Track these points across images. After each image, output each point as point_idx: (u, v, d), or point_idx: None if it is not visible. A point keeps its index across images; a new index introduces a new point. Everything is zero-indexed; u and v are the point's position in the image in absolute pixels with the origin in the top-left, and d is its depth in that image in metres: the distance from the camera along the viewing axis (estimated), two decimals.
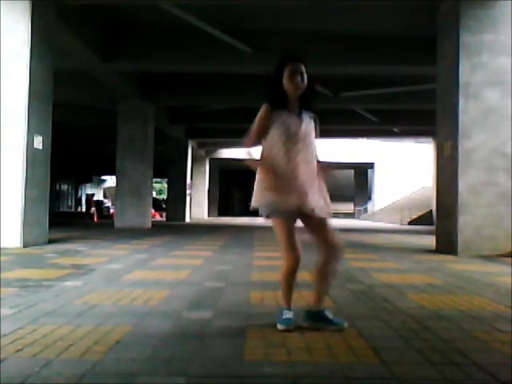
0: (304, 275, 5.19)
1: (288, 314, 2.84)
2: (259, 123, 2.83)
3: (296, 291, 3.04)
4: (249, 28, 11.39)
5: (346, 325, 2.86)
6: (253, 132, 2.85)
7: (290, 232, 2.78)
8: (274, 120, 2.82)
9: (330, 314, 2.89)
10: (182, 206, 23.79)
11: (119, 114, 16.13)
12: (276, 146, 2.80)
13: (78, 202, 53.33)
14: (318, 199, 2.82)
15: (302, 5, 10.38)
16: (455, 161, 8.04)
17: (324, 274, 2.90)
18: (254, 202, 2.85)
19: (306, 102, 2.91)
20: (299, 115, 2.86)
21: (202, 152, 31.65)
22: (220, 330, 2.84)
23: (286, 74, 2.83)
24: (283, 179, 2.74)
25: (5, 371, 2.04)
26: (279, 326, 2.80)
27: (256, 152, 2.95)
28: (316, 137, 2.91)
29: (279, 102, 2.85)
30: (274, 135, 2.81)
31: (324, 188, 2.92)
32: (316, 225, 2.85)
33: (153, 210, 23.21)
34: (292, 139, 2.78)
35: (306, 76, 2.85)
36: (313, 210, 2.77)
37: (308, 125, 2.88)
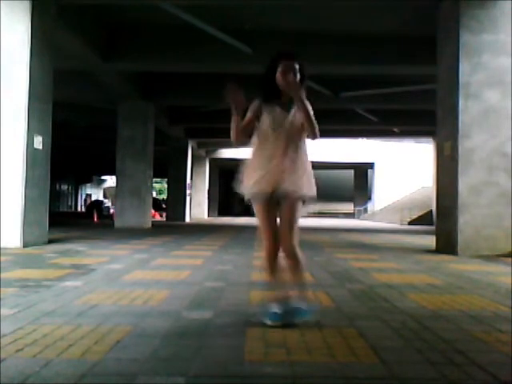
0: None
1: (274, 309, 2.88)
2: (246, 116, 2.98)
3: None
4: (249, 28, 11.38)
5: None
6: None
7: (267, 219, 2.92)
8: (262, 112, 2.96)
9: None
10: (181, 206, 23.78)
11: (119, 114, 16.12)
12: (260, 134, 2.96)
13: (84, 203, 53.25)
14: (293, 183, 2.84)
15: (302, 5, 10.38)
16: (455, 161, 8.04)
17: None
18: (239, 189, 2.99)
19: None
20: (289, 107, 2.94)
21: (202, 152, 31.61)
22: (220, 329, 2.83)
23: (279, 70, 2.92)
24: (261, 164, 2.88)
25: (5, 371, 2.04)
26: (268, 322, 2.86)
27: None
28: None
29: (271, 96, 2.97)
30: (262, 124, 2.96)
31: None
32: (283, 209, 2.89)
33: (153, 210, 23.17)
34: (275, 129, 2.90)
35: (298, 74, 2.92)
36: (285, 192, 2.83)
37: (295, 116, 2.93)
